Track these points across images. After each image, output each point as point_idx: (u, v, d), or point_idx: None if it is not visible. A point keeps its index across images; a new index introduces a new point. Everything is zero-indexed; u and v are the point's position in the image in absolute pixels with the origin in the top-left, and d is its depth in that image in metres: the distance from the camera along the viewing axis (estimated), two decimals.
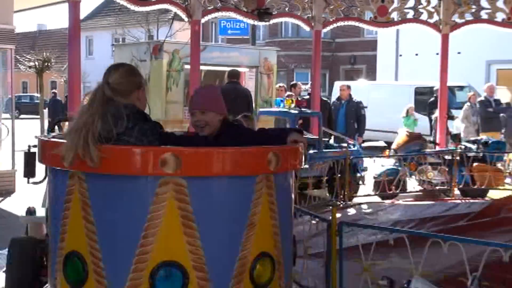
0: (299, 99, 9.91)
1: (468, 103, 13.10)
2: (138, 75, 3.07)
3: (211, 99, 3.32)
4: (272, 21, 9.76)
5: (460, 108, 13.53)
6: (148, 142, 2.84)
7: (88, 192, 2.77)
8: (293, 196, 3.24)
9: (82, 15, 12.14)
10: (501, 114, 12.74)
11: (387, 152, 9.98)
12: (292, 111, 8.99)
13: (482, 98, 13.13)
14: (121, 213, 2.73)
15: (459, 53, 17.03)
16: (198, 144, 3.14)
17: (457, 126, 13.47)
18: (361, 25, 10.87)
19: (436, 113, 11.61)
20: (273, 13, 9.52)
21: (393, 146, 9.66)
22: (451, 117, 14.18)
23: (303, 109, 9.16)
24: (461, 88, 16.98)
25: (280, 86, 12.83)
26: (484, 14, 10.25)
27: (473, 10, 10.28)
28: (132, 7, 8.34)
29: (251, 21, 10.04)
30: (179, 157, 2.66)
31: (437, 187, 9.02)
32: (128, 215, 2.72)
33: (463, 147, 9.42)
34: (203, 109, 3.26)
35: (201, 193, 2.75)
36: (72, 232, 2.84)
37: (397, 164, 9.14)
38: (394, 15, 10.31)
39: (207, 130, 3.25)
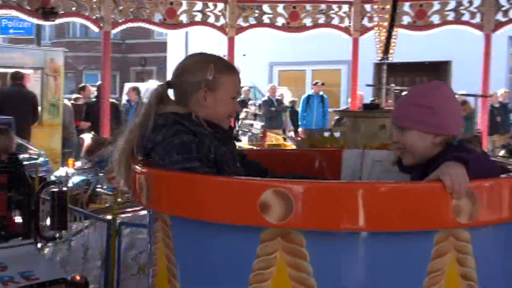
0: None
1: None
2: (198, 72, 2.19)
3: (415, 107, 2.13)
4: (58, 21, 9.42)
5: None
6: (171, 162, 2.03)
7: None
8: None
9: None
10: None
11: (70, 161, 8.11)
12: None
13: (265, 98, 13.92)
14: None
15: (244, 55, 17.80)
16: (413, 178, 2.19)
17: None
18: (150, 26, 10.91)
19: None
20: (59, 12, 9.19)
21: (82, 153, 8.43)
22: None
23: None
24: (247, 88, 17.82)
25: None
26: (266, 19, 10.86)
27: (256, 15, 10.84)
28: None
29: (35, 21, 9.59)
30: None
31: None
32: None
33: None
34: (399, 124, 2.17)
35: (187, 240, 1.91)
36: None
37: (91, 174, 7.27)
38: (183, 18, 10.51)
39: (407, 159, 2.16)
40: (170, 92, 2.27)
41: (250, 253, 1.72)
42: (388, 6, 6.71)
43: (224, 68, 2.22)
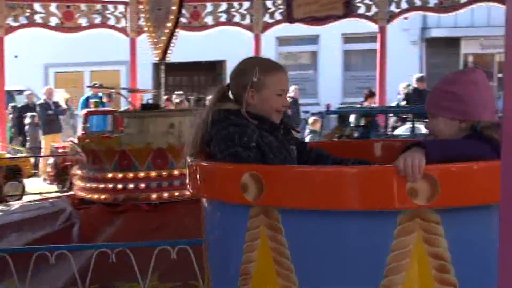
0: None
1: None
2: (245, 75, 2.46)
3: (443, 94, 2.17)
4: None
5: None
6: (219, 151, 2.35)
7: None
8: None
9: None
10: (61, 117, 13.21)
11: None
12: None
13: (41, 101, 13.36)
14: None
15: (16, 56, 16.89)
16: None
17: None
18: None
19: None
20: None
21: None
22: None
23: None
24: (20, 92, 16.90)
25: None
26: (39, 18, 10.43)
27: (28, 14, 10.37)
28: None
29: None
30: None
31: None
32: None
33: None
34: (428, 110, 2.23)
35: (209, 217, 2.31)
36: None
37: None
38: None
39: None
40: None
41: (243, 227, 2.02)
42: (173, 8, 6.81)
43: (268, 69, 2.50)
